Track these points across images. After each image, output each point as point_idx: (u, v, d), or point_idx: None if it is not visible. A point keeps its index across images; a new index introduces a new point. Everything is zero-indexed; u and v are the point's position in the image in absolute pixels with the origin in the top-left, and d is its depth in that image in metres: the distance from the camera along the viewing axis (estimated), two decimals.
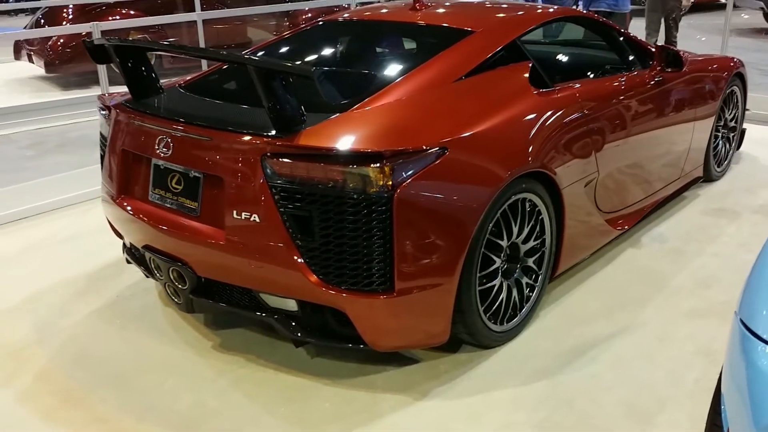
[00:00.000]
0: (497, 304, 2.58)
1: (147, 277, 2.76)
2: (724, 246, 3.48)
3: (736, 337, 1.43)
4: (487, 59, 2.77)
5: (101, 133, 2.88)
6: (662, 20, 7.00)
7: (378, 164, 2.10)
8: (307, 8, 8.88)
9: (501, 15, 3.29)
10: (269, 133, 2.21)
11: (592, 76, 3.31)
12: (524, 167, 2.52)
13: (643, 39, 6.57)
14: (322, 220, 2.14)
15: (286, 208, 2.16)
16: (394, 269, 2.17)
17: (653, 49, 3.53)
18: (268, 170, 2.18)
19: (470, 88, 2.65)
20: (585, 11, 6.85)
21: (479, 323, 2.50)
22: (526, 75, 2.81)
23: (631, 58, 3.51)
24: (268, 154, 2.18)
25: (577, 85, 3.01)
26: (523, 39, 3.01)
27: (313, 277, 2.18)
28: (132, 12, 7.64)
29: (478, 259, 2.40)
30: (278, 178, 2.17)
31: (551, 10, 3.44)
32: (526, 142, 2.57)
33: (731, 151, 4.48)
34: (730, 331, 1.49)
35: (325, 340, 2.36)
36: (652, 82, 3.43)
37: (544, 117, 2.70)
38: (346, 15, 3.47)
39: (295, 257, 2.18)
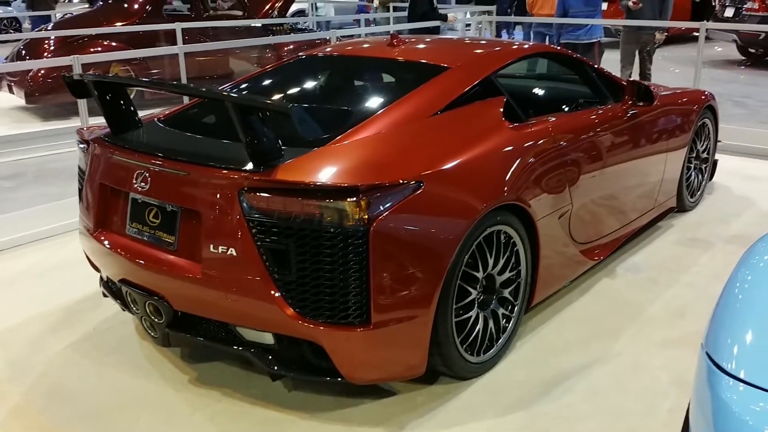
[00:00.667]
0: (474, 335, 2.59)
1: (123, 310, 2.74)
2: (698, 276, 3.53)
3: (702, 369, 1.45)
4: (463, 94, 2.82)
5: (79, 167, 2.88)
6: (636, 53, 7.14)
7: (354, 198, 2.12)
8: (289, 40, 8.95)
9: (476, 51, 3.36)
10: (246, 168, 2.22)
11: (565, 109, 3.36)
12: (499, 200, 2.55)
13: (618, 72, 6.80)
14: (299, 253, 2.14)
15: (263, 242, 2.17)
16: (371, 302, 2.18)
17: (625, 84, 3.59)
18: (245, 204, 2.19)
19: (446, 122, 2.69)
20: (557, 42, 7.12)
21: (456, 355, 2.50)
22: (501, 109, 2.85)
23: (603, 92, 3.57)
24: (246, 188, 2.19)
25: (551, 119, 3.06)
26: (498, 74, 3.06)
27: (290, 311, 2.18)
28: (114, 44, 7.66)
29: (454, 291, 2.41)
30: (255, 213, 2.18)
31: (526, 46, 3.51)
32: (500, 176, 2.60)
33: (704, 182, 4.56)
34: (697, 364, 1.51)
35: (302, 373, 2.35)
36: (625, 116, 3.49)
37: (518, 150, 2.74)
38: (325, 50, 3.52)
39: (272, 291, 2.18)
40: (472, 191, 2.47)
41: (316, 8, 14.51)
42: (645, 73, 7.13)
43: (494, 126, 2.77)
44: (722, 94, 7.73)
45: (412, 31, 7.12)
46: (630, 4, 6.87)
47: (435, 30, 7.47)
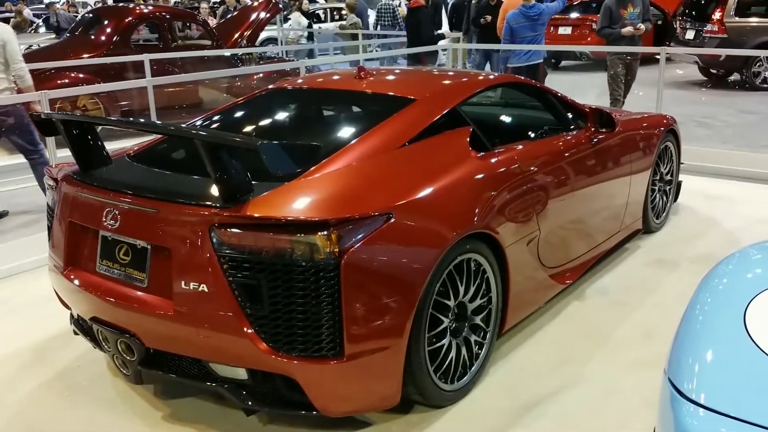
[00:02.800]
0: (447, 363, 2.61)
1: (95, 348, 2.72)
2: (665, 297, 3.60)
3: (665, 394, 1.48)
4: (430, 126, 2.86)
5: (48, 204, 2.86)
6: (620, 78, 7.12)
7: (325, 232, 2.14)
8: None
9: (442, 83, 3.42)
10: (216, 204, 2.24)
11: (531, 137, 3.43)
12: (468, 229, 2.58)
13: (604, 102, 6.83)
14: (270, 288, 2.15)
15: (234, 278, 2.18)
16: (344, 334, 2.19)
17: (587, 111, 3.67)
18: (216, 240, 2.20)
19: (414, 154, 2.73)
20: (503, 67, 7.23)
21: (430, 383, 2.52)
22: (467, 139, 2.90)
23: (567, 119, 3.64)
24: (216, 224, 2.20)
25: (517, 147, 3.11)
26: (464, 104, 3.12)
27: (263, 345, 2.18)
28: (81, 75, 7.62)
29: (426, 320, 2.44)
30: (226, 248, 2.19)
31: (491, 76, 3.59)
32: (468, 205, 2.65)
33: (668, 203, 4.65)
34: (661, 389, 1.54)
35: (276, 407, 2.34)
36: (588, 142, 3.56)
37: (485, 179, 2.79)
38: (293, 82, 3.56)
39: (245, 326, 2.18)
40: (441, 221, 2.50)
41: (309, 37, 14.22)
42: (616, 98, 7.16)
43: (461, 156, 2.82)
44: (685, 115, 7.94)
45: (413, 56, 7.12)
46: (632, 29, 6.87)
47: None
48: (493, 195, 2.77)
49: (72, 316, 2.87)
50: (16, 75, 4.85)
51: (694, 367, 1.48)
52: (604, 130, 3.61)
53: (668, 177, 4.59)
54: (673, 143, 4.53)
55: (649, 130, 4.21)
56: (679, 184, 4.80)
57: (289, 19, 14.22)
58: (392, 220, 2.30)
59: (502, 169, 2.91)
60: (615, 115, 3.82)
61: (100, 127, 2.96)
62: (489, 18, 7.91)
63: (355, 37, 10.95)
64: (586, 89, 10.20)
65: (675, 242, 4.36)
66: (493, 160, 2.91)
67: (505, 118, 4.13)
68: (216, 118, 3.26)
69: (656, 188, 4.45)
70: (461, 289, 2.64)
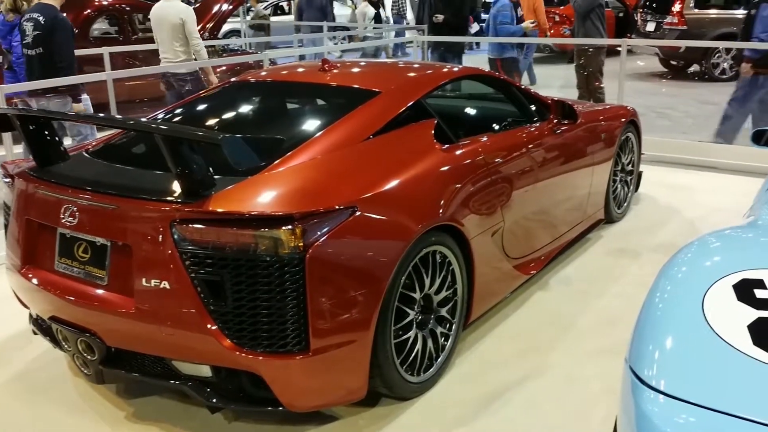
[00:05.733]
0: (413, 355, 2.62)
1: (55, 348, 2.66)
2: (626, 286, 3.65)
3: (627, 382, 1.49)
4: (394, 118, 2.86)
5: (5, 202, 2.79)
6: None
7: (289, 226, 2.12)
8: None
9: (407, 75, 3.42)
10: (178, 199, 2.21)
11: (495, 129, 3.45)
12: (433, 221, 2.59)
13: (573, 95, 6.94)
14: (234, 284, 2.13)
15: (197, 274, 2.16)
16: (309, 329, 2.18)
17: (550, 103, 3.72)
18: (178, 236, 2.17)
19: (378, 146, 2.72)
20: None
21: (396, 376, 2.52)
22: (431, 132, 2.91)
23: (530, 111, 3.68)
24: (177, 220, 2.17)
25: (481, 139, 3.14)
26: (429, 97, 3.13)
27: (227, 342, 2.16)
28: None
29: (392, 313, 2.44)
30: (188, 244, 2.17)
31: (455, 69, 3.60)
32: (433, 197, 2.65)
33: (630, 193, 4.72)
34: (622, 377, 1.56)
35: (242, 404, 2.32)
36: (551, 134, 3.61)
37: (450, 171, 2.81)
38: (257, 75, 3.52)
39: (208, 323, 2.16)
40: (406, 214, 2.50)
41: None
42: (596, 94, 7.29)
43: (426, 148, 2.83)
44: (646, 106, 8.07)
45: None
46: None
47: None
48: (457, 187, 2.78)
49: (31, 315, 2.81)
50: (194, 50, 5.74)
51: (654, 355, 1.49)
52: (566, 121, 3.67)
53: (629, 167, 4.65)
54: (633, 134, 4.60)
55: (610, 121, 4.27)
56: (639, 175, 4.86)
57: (355, 7, 14.06)
58: (357, 213, 2.29)
59: (467, 162, 2.93)
60: (577, 107, 3.87)
61: (57, 123, 2.89)
62: (441, 18, 7.96)
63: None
64: (550, 81, 10.33)
65: (636, 231, 4.42)
66: (457, 153, 2.93)
67: (470, 111, 4.15)
68: (177, 111, 3.22)
69: (618, 179, 4.51)
70: (427, 282, 2.65)
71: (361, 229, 2.32)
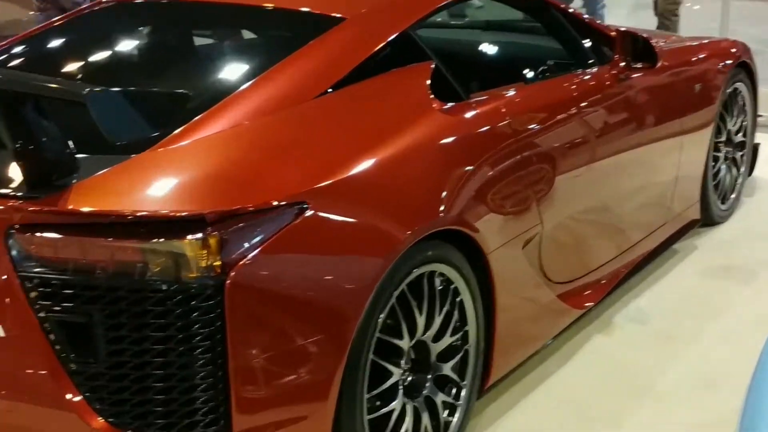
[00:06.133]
0: None
1: None
2: (736, 323, 3.66)
3: None
4: (366, 61, 2.84)
5: None
6: None
7: (198, 235, 2.10)
8: None
9: None
10: (16, 193, 2.19)
11: (528, 77, 3.45)
12: (430, 225, 2.59)
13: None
14: (108, 329, 2.10)
15: (48, 313, 2.13)
16: (230, 400, 2.15)
17: (614, 36, 3.75)
18: (17, 252, 2.14)
19: (341, 106, 2.72)
20: None
21: None
22: (427, 82, 2.90)
23: (582, 49, 3.70)
24: (16, 226, 2.15)
25: (505, 94, 3.15)
26: (422, 26, 3.12)
27: (98, 421, 2.14)
28: None
29: (364, 372, 2.42)
30: (33, 264, 2.14)
31: None
32: (430, 186, 2.65)
33: (740, 179, 4.76)
34: None
35: None
36: (615, 85, 3.63)
37: (457, 145, 2.82)
38: None
39: (67, 391, 2.13)
40: (386, 213, 2.50)
41: None
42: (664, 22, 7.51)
43: (418, 108, 2.83)
44: (762, 39, 8.11)
45: None
46: None
47: None
48: (468, 171, 2.78)
49: None
50: None
51: None
52: (639, 65, 3.68)
53: (739, 137, 4.66)
54: (746, 85, 4.62)
55: (708, 64, 4.29)
56: (755, 149, 4.88)
57: None
58: (307, 213, 2.27)
59: (484, 129, 2.93)
60: (656, 42, 3.88)
61: None
62: None
63: None
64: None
65: (749, 239, 4.43)
66: (468, 115, 2.93)
67: (488, 49, 4.19)
68: (16, 51, 3.18)
69: (721, 155, 4.52)
70: (420, 322, 2.63)
71: (315, 239, 2.31)
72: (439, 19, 3.55)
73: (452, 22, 4.17)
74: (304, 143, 2.52)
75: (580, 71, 3.58)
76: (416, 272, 2.56)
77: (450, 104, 2.91)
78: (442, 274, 2.67)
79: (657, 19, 7.63)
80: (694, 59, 4.24)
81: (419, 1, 3.22)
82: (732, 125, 4.59)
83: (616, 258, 3.68)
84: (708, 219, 4.50)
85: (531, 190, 3.06)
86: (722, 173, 4.56)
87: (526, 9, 3.83)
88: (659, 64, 3.78)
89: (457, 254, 2.70)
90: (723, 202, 4.60)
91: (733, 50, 4.52)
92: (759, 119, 4.91)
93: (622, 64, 3.68)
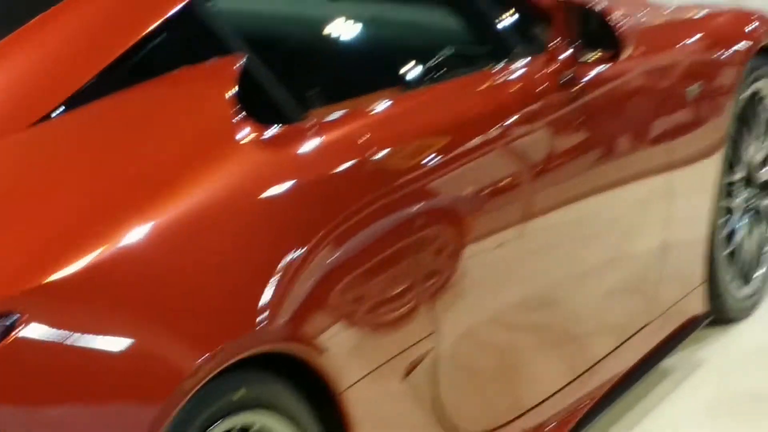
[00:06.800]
0: None
1: None
2: None
3: None
4: (123, 57, 2.87)
5: None
6: None
7: None
8: None
9: None
10: None
11: (408, 80, 3.51)
12: (238, 344, 2.61)
13: None
14: None
15: None
16: None
17: (552, 8, 3.82)
18: None
19: (78, 140, 2.75)
20: None
21: None
22: (232, 91, 2.92)
23: (498, 30, 3.81)
24: None
25: (373, 108, 3.20)
26: None
27: None
28: None
29: None
30: None
31: None
32: (238, 277, 2.69)
33: None
34: None
35: None
36: (555, 89, 3.71)
37: (286, 202, 2.87)
38: None
39: None
40: (162, 325, 2.52)
41: None
42: None
43: (217, 137, 2.88)
44: None
45: None
46: None
47: None
48: (306, 248, 2.82)
49: None
50: None
51: None
52: (592, 55, 3.78)
53: (766, 173, 4.81)
54: None
55: (710, 52, 4.45)
56: None
57: None
58: (20, 330, 2.26)
59: (333, 172, 2.99)
60: (622, 15, 4.02)
61: None
62: None
63: None
64: None
65: None
66: (305, 148, 2.97)
67: (341, 31, 4.14)
68: None
69: (737, 205, 4.65)
70: None
71: (31, 375, 2.31)
72: None
73: None
74: (10, 212, 2.51)
75: (496, 67, 3.64)
76: (219, 428, 2.58)
77: (274, 128, 2.94)
78: (263, 430, 2.69)
79: None
80: (685, 44, 4.36)
81: None
82: (753, 153, 4.68)
83: (571, 385, 3.73)
84: (720, 312, 4.59)
85: (417, 276, 3.10)
86: (740, 235, 4.64)
87: None
88: (626, 54, 3.86)
89: (288, 394, 2.73)
90: (744, 284, 4.68)
91: (752, 27, 4.65)
92: None
93: (565, 54, 3.76)
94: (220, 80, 2.95)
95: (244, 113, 2.91)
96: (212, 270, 2.66)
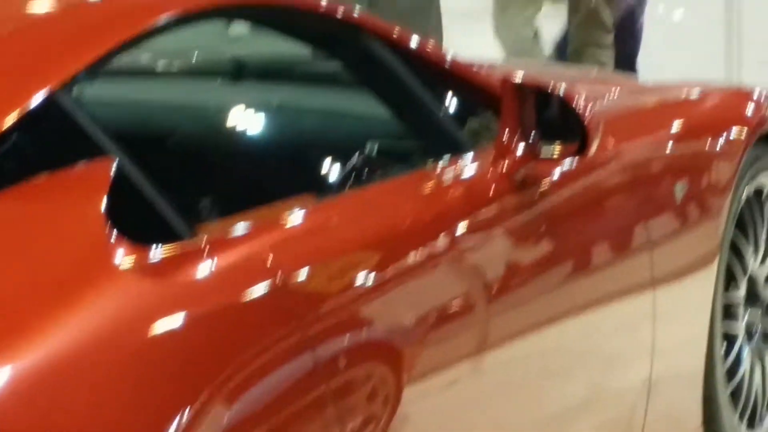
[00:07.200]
0: None
1: None
2: None
3: None
4: None
5: None
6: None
7: None
8: None
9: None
10: None
11: (323, 184, 3.31)
12: None
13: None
14: None
15: None
16: None
17: (502, 95, 3.53)
18: None
19: None
20: None
21: None
22: (102, 206, 2.55)
23: (437, 119, 3.56)
24: None
25: (280, 221, 2.90)
26: (96, 74, 2.97)
27: None
28: None
29: None
30: None
31: None
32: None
33: None
34: None
35: None
36: (509, 193, 3.44)
37: (170, 341, 2.53)
38: None
39: None
40: None
41: None
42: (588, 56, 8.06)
43: (84, 263, 2.55)
44: None
45: None
46: None
47: None
48: (199, 398, 2.48)
49: None
50: None
51: None
52: (554, 149, 3.45)
53: None
54: None
55: (701, 142, 4.25)
56: None
57: None
58: None
59: (233, 301, 2.66)
60: (590, 97, 3.73)
61: None
62: None
63: None
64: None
65: None
66: (196, 273, 2.64)
67: (238, 122, 4.05)
68: None
69: (739, 330, 4.43)
70: None
71: None
72: (143, 62, 3.40)
73: (162, 67, 3.92)
74: None
75: (438, 165, 3.35)
76: None
77: (156, 249, 2.56)
78: None
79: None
80: (669, 132, 4.11)
81: (88, 33, 3.00)
82: (757, 264, 4.44)
83: None
84: None
85: (344, 429, 2.77)
86: (744, 368, 4.38)
87: (318, 39, 3.61)
88: (596, 146, 3.54)
89: None
90: (750, 428, 4.43)
91: (751, 111, 4.44)
92: None
93: (522, 148, 3.45)
94: (88, 191, 2.63)
95: (118, 232, 2.54)
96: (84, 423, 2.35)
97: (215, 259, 2.66)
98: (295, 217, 2.94)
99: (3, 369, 2.26)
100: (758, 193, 4.45)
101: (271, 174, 3.44)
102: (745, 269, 4.42)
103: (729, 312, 4.38)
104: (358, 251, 2.99)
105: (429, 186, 3.31)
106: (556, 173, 3.58)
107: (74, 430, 2.33)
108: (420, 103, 3.52)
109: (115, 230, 2.52)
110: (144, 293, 2.53)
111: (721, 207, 4.18)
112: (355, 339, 2.87)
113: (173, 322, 2.52)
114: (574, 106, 3.51)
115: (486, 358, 3.20)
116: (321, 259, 2.88)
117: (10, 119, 2.64)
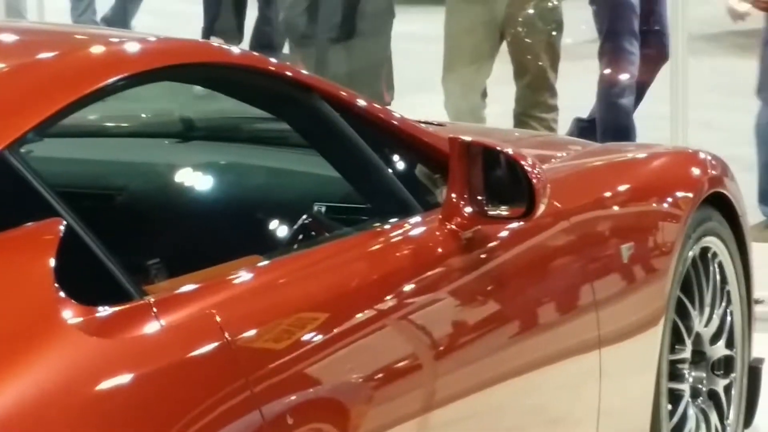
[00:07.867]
0: None
1: None
2: None
3: None
4: None
5: None
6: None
7: None
8: None
9: None
10: None
11: (268, 243, 3.43)
12: None
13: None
14: None
15: None
16: None
17: (448, 153, 3.55)
18: None
19: None
20: None
21: None
22: (49, 267, 2.54)
23: (384, 179, 3.55)
24: None
25: (227, 282, 2.88)
26: (46, 131, 2.97)
27: None
28: None
29: None
30: None
31: (140, 46, 3.41)
32: None
33: None
34: None
35: None
36: (456, 255, 3.44)
37: (117, 402, 2.50)
38: None
39: None
40: None
41: None
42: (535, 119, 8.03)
43: (29, 326, 2.51)
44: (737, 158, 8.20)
45: None
46: None
47: None
48: None
49: None
50: None
51: None
52: (501, 210, 3.46)
53: (719, 349, 4.66)
54: (724, 240, 4.64)
55: (647, 203, 4.28)
56: (754, 372, 4.89)
57: None
58: None
59: (179, 360, 2.64)
60: (536, 157, 3.71)
61: None
62: None
63: None
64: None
65: None
66: (143, 333, 2.61)
67: (189, 185, 4.05)
68: None
69: (684, 390, 4.45)
70: None
71: None
72: (92, 120, 3.27)
73: (112, 127, 3.89)
74: None
75: (384, 226, 3.36)
76: None
77: (103, 310, 2.55)
78: None
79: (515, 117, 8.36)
80: (616, 195, 4.15)
81: (40, 87, 2.99)
82: (702, 324, 4.47)
83: None
84: None
85: None
86: (690, 427, 4.42)
87: (262, 100, 3.60)
88: (544, 206, 3.54)
89: None
90: None
91: (698, 172, 4.50)
92: (756, 304, 4.79)
93: (468, 209, 3.45)
94: (36, 252, 2.60)
95: (65, 293, 2.53)
96: None
97: (163, 318, 2.64)
98: (243, 277, 2.94)
99: None
100: (703, 254, 4.48)
101: (219, 234, 3.45)
102: (689, 329, 4.46)
103: (675, 371, 4.41)
104: (305, 311, 2.98)
105: (377, 246, 3.32)
106: (504, 234, 3.61)
107: None
108: (368, 164, 3.54)
109: (62, 291, 2.50)
110: (90, 352, 2.50)
111: (668, 268, 4.22)
112: (302, 398, 2.86)
113: (120, 380, 2.50)
114: (522, 166, 3.52)
115: (432, 417, 3.21)
116: (268, 318, 2.87)
117: None
